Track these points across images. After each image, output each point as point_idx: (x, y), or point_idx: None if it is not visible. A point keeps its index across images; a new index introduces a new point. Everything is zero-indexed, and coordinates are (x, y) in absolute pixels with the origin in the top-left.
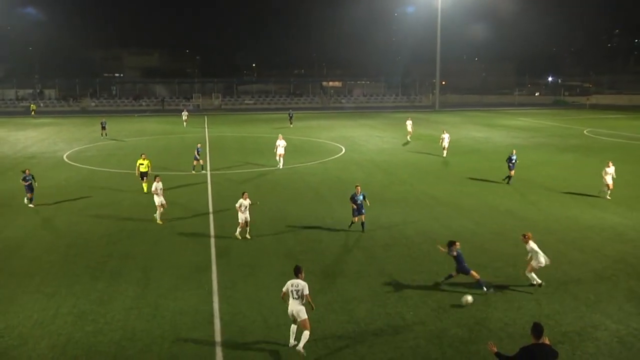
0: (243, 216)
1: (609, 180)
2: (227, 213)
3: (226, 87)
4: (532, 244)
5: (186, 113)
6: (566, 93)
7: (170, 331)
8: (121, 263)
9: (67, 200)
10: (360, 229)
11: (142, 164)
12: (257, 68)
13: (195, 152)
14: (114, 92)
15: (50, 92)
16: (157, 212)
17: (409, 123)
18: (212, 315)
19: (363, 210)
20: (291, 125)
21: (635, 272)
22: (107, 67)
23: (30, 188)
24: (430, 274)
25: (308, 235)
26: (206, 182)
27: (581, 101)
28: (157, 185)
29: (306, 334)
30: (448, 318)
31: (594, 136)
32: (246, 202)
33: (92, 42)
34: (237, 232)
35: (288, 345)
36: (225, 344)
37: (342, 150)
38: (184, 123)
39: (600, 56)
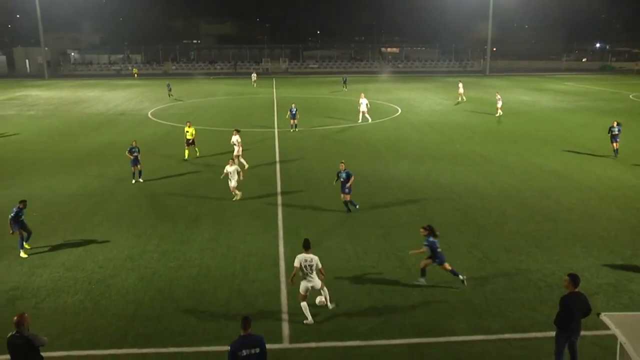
0: (233, 181)
1: None
2: (292, 164)
3: (292, 52)
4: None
5: (255, 75)
6: (613, 59)
7: (240, 270)
8: (198, 209)
9: (151, 153)
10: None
11: (188, 132)
12: (321, 35)
13: (289, 112)
14: (192, 57)
15: (136, 57)
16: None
17: (460, 85)
18: (277, 257)
19: (346, 189)
20: (345, 89)
21: None
22: (186, 35)
23: (135, 161)
24: (477, 226)
25: (365, 189)
26: (274, 137)
27: (629, 67)
28: (230, 169)
29: (325, 290)
30: (491, 267)
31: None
32: (231, 168)
33: (173, 12)
34: (237, 197)
35: (307, 322)
36: (289, 284)
37: (398, 111)
38: (254, 84)
39: None
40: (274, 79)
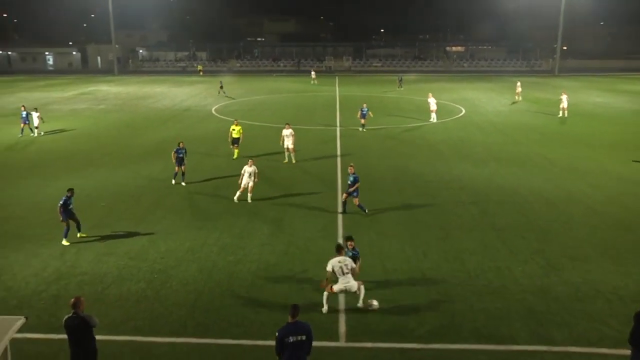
0: (245, 181)
1: None
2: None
3: (356, 50)
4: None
5: (314, 73)
6: None
7: (299, 266)
8: (259, 204)
9: (214, 147)
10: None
11: (234, 130)
12: (385, 33)
13: (360, 112)
14: (255, 55)
15: (202, 55)
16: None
17: (518, 84)
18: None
19: (353, 193)
20: (401, 88)
21: None
22: (249, 33)
23: (180, 161)
24: (541, 231)
25: (426, 189)
26: (335, 136)
27: None
28: (249, 170)
29: (362, 288)
30: (556, 275)
31: None
32: (250, 169)
33: (238, 10)
34: (236, 197)
35: (323, 311)
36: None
37: (462, 111)
38: (313, 82)
39: None
40: (336, 77)
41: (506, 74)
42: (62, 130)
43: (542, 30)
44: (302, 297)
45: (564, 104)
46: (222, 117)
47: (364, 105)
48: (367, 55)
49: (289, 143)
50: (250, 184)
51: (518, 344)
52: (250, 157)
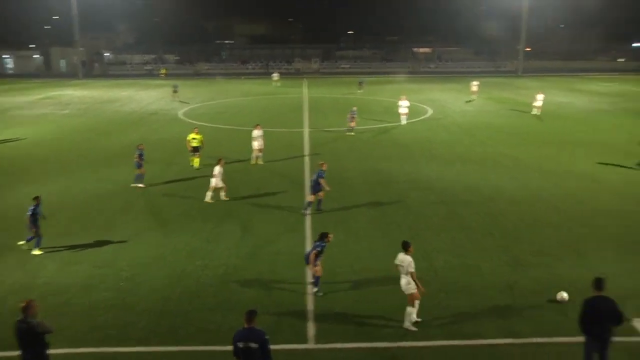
0: (214, 181)
1: None
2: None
3: (325, 52)
4: None
5: (277, 74)
6: None
7: (268, 269)
8: (228, 206)
9: (180, 151)
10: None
11: (195, 139)
12: (353, 35)
13: (350, 114)
14: (223, 57)
15: (169, 57)
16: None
17: (473, 83)
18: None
19: (316, 187)
20: (360, 91)
21: None
22: (220, 35)
23: (139, 164)
24: (507, 230)
25: (396, 190)
26: (303, 138)
27: None
28: (219, 170)
29: (408, 310)
30: (521, 271)
31: None
32: (220, 169)
33: (208, 12)
34: (209, 197)
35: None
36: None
37: (429, 112)
38: (276, 84)
39: None
40: (305, 79)
41: (472, 75)
42: (19, 139)
43: (507, 32)
44: (270, 300)
45: (538, 102)
46: (189, 120)
47: (354, 108)
48: (336, 57)
49: (258, 144)
50: (220, 184)
51: (484, 338)
52: (220, 158)
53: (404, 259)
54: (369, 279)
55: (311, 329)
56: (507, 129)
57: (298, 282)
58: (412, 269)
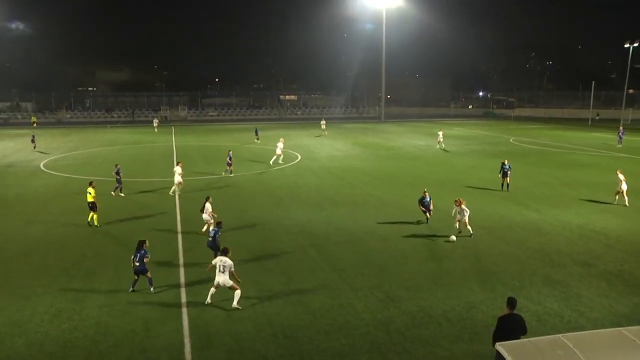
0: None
1: (623, 187)
2: (192, 214)
3: (191, 99)
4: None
5: (157, 121)
6: (494, 106)
7: (141, 325)
8: (95, 263)
9: (44, 206)
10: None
11: (90, 193)
12: (220, 82)
13: (228, 159)
14: (87, 105)
15: (27, 105)
16: (174, 187)
17: (322, 123)
18: (180, 308)
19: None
20: (257, 141)
21: (550, 261)
22: (81, 82)
23: (119, 181)
24: (378, 267)
25: (267, 235)
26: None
27: (507, 113)
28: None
29: (237, 293)
30: (394, 307)
31: (518, 144)
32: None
33: (67, 58)
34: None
35: (205, 303)
36: (193, 335)
37: (298, 157)
38: (156, 129)
39: (521, 75)
40: (172, 127)
41: (337, 121)
42: None
43: (368, 80)
44: (146, 358)
45: (440, 138)
46: (52, 172)
47: (230, 151)
48: (202, 105)
49: (177, 179)
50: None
51: None
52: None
53: (227, 260)
54: (246, 326)
55: None
56: (373, 172)
57: (175, 336)
58: (233, 269)
